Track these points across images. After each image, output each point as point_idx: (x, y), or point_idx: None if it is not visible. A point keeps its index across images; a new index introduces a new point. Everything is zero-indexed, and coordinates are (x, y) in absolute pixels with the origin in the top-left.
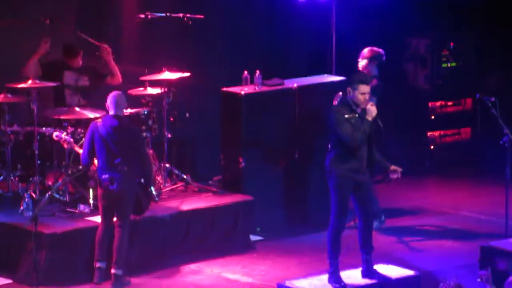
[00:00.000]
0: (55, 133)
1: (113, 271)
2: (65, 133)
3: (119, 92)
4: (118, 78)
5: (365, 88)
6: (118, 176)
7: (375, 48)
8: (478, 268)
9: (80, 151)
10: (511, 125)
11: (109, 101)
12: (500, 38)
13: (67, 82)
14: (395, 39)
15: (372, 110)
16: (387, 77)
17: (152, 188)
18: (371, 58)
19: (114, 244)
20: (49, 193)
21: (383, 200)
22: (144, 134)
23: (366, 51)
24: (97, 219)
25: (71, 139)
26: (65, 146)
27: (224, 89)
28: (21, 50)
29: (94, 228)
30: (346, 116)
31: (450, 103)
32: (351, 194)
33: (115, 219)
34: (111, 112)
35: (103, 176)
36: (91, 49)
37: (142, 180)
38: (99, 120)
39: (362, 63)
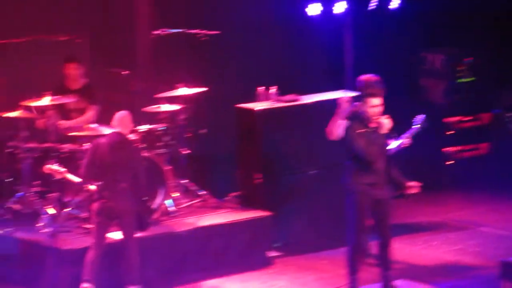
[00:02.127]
0: (46, 166)
1: None
2: (55, 164)
3: (126, 112)
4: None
5: (375, 101)
6: (119, 193)
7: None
8: (499, 284)
9: (72, 178)
10: None
11: (115, 119)
12: None
13: (68, 105)
14: (411, 54)
15: (386, 123)
16: (403, 92)
17: (169, 203)
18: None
19: (126, 261)
20: (67, 209)
21: (402, 215)
22: (162, 150)
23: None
24: (115, 235)
25: (63, 169)
26: (57, 176)
27: (238, 105)
28: (37, 67)
29: (110, 244)
30: (358, 131)
31: (466, 119)
32: (369, 210)
33: (115, 236)
34: (116, 130)
35: (103, 193)
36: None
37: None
38: (103, 137)
39: None
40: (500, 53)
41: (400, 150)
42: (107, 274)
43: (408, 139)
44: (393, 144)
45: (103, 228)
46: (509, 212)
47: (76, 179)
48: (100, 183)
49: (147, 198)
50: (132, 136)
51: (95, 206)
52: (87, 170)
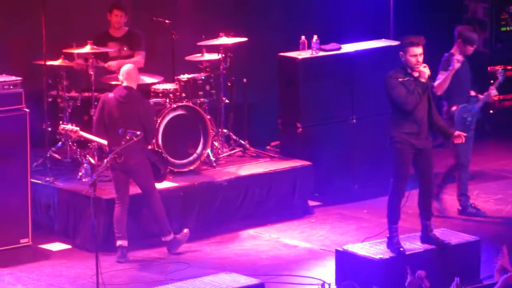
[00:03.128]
0: (61, 126)
1: (164, 239)
2: (69, 124)
3: (132, 65)
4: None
5: (415, 50)
6: (128, 148)
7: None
8: None
9: (88, 136)
10: None
11: (121, 74)
12: None
13: (111, 53)
14: (453, 3)
15: (424, 71)
16: (446, 41)
17: (209, 152)
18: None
19: (154, 215)
20: (108, 158)
21: (443, 164)
22: (203, 99)
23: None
24: (157, 184)
25: (76, 128)
26: (73, 136)
27: (281, 54)
28: (76, 17)
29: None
30: (400, 80)
31: (510, 67)
32: (411, 160)
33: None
34: (123, 84)
35: (113, 148)
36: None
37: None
38: (111, 91)
39: None
40: None
41: (488, 102)
42: (138, 226)
43: (494, 91)
44: (484, 98)
45: (122, 182)
46: None
47: (89, 136)
48: (110, 138)
49: (160, 150)
50: (167, 86)
51: (109, 161)
52: (97, 126)
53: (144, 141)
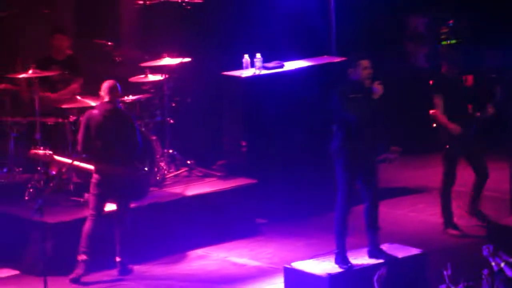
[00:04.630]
0: (32, 151)
1: (119, 259)
2: (41, 148)
3: (113, 81)
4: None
5: (366, 63)
6: (117, 163)
7: None
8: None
9: (60, 159)
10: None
11: (104, 89)
12: (502, 12)
13: (53, 76)
14: (394, 18)
15: (379, 88)
16: (387, 57)
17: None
18: None
19: (118, 233)
20: (53, 182)
21: (388, 179)
22: (147, 120)
23: None
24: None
25: (49, 152)
26: (46, 160)
27: (224, 73)
28: (18, 41)
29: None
30: (350, 96)
31: None
32: (357, 174)
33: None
34: (106, 99)
35: (102, 164)
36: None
37: (146, 168)
38: (94, 108)
39: None
40: (484, 13)
41: (487, 118)
42: (101, 245)
43: (492, 108)
44: (482, 113)
45: (102, 199)
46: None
47: (64, 159)
48: (97, 154)
49: (146, 167)
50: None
51: (95, 177)
52: (83, 143)
53: (133, 156)
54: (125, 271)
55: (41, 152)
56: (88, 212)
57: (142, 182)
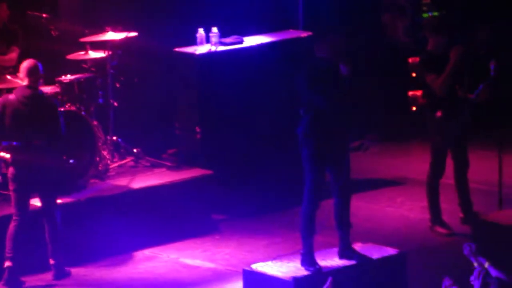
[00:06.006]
0: None
1: (52, 262)
2: None
3: (33, 61)
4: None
5: (335, 37)
6: (36, 154)
7: None
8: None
9: None
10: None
11: (22, 70)
12: None
13: None
14: None
15: (346, 68)
16: (362, 31)
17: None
18: None
19: (48, 233)
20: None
21: (363, 170)
22: (87, 103)
23: None
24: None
25: None
26: None
27: (177, 49)
28: None
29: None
30: (318, 76)
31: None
32: (327, 166)
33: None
34: (24, 83)
35: (18, 155)
36: None
37: (71, 161)
38: (12, 93)
39: None
40: None
41: (478, 98)
42: (33, 246)
43: (487, 88)
44: (476, 95)
45: (23, 195)
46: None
47: None
48: (13, 144)
49: (71, 159)
50: (46, 88)
51: (11, 171)
52: None
53: (54, 147)
54: (60, 275)
55: None
56: (12, 211)
57: (68, 175)
